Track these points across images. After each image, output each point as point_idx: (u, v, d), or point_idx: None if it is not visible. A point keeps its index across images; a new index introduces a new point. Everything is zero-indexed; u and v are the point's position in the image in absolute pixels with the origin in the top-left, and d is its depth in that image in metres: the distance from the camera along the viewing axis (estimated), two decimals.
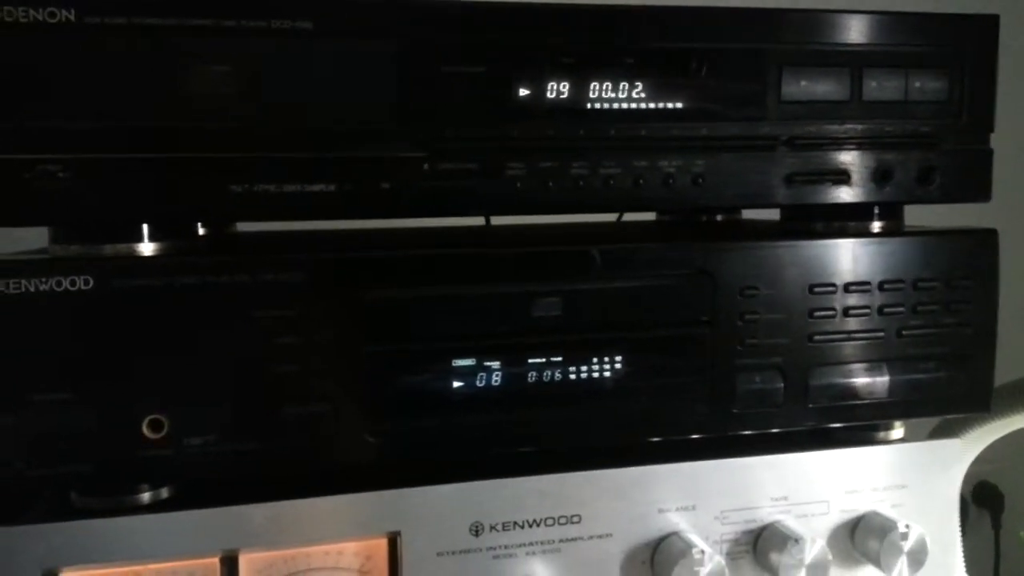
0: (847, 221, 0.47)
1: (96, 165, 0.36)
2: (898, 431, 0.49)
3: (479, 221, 0.56)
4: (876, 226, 0.47)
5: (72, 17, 0.35)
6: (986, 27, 0.45)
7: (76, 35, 0.36)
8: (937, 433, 0.55)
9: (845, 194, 0.44)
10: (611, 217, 0.63)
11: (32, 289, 0.36)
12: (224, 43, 0.37)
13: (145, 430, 0.37)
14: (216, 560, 0.40)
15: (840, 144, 0.43)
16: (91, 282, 0.36)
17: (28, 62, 0.35)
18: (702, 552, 0.42)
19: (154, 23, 0.36)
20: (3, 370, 0.36)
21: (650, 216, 0.67)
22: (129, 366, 0.37)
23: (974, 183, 0.46)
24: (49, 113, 0.36)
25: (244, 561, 0.40)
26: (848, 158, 0.43)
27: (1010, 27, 0.46)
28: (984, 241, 0.46)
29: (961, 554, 0.56)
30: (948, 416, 0.51)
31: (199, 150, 0.37)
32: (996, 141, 0.46)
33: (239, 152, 0.37)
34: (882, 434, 0.49)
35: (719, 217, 0.63)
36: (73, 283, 0.36)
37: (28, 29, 0.35)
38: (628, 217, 0.62)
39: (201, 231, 0.49)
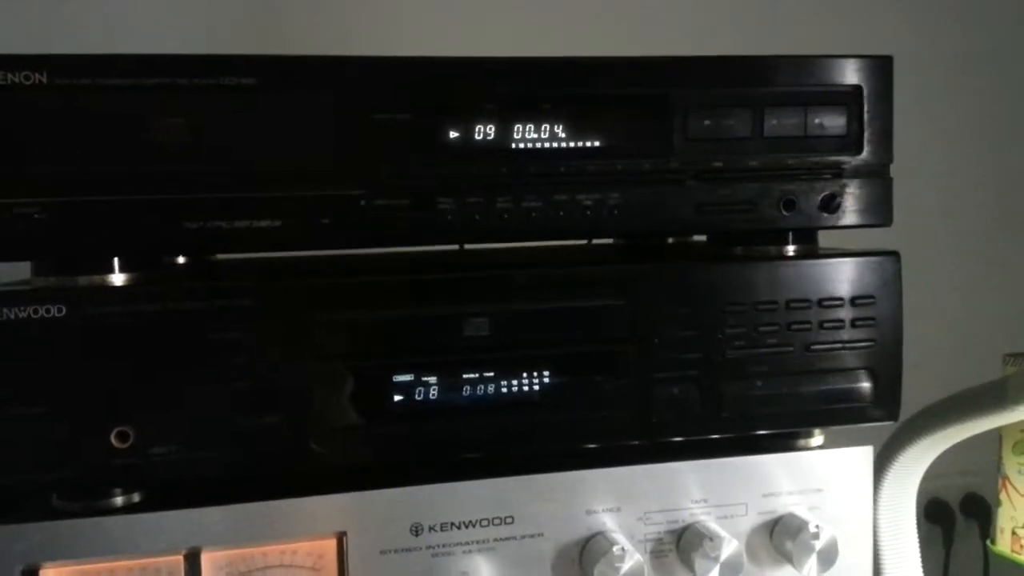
0: (764, 245, 0.51)
1: (68, 207, 0.41)
2: (817, 439, 0.53)
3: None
4: (790, 249, 0.51)
5: (44, 79, 0.40)
6: (882, 66, 0.49)
7: (48, 94, 0.41)
8: (889, 443, 0.59)
9: (752, 222, 0.48)
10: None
11: (12, 316, 0.41)
12: (179, 99, 0.42)
13: (113, 440, 0.42)
14: (180, 558, 0.44)
15: (744, 177, 0.47)
16: (64, 310, 0.41)
17: (6, 118, 0.40)
18: (623, 550, 0.46)
19: (116, 83, 0.41)
20: None
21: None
22: (98, 383, 0.42)
23: (877, 209, 0.50)
24: (26, 161, 0.41)
25: (206, 559, 0.45)
26: (753, 189, 0.48)
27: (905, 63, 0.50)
28: (886, 262, 0.50)
29: (915, 552, 0.59)
30: (872, 425, 0.55)
31: (158, 192, 0.42)
32: (899, 169, 0.50)
33: (193, 193, 0.42)
34: (802, 441, 0.52)
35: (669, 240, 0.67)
36: (48, 311, 0.41)
37: (6, 90, 0.40)
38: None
39: (181, 260, 0.55)
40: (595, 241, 0.66)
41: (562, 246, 0.64)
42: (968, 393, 0.57)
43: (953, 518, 1.04)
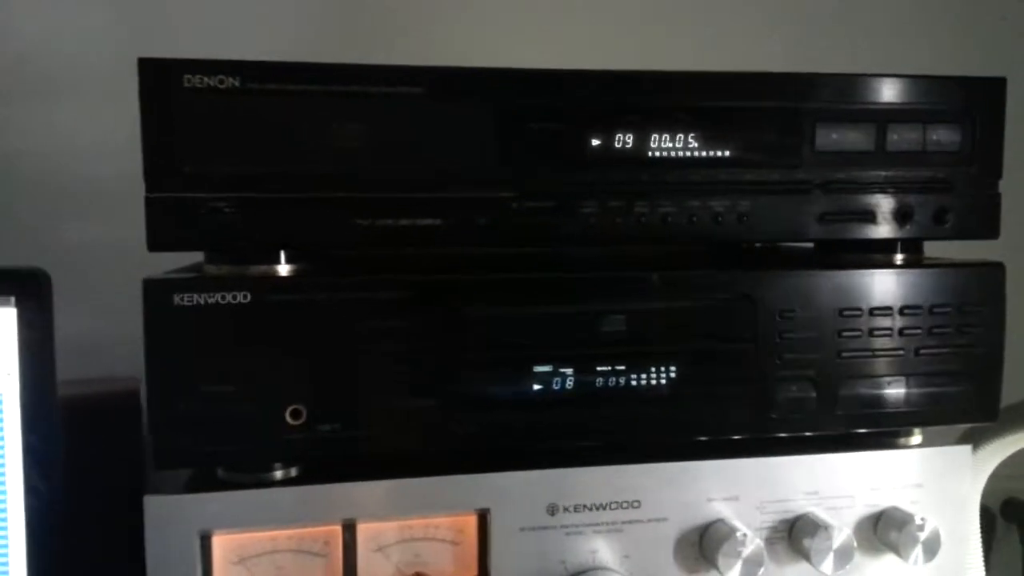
0: (873, 253, 0.54)
1: (253, 202, 0.45)
2: (917, 438, 0.56)
3: None
4: (899, 258, 0.54)
5: (237, 84, 0.44)
6: (994, 88, 0.52)
7: (240, 97, 0.44)
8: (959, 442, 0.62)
9: (870, 231, 0.51)
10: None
11: (202, 302, 0.45)
12: (356, 105, 0.45)
13: (288, 417, 0.46)
14: (339, 527, 0.48)
15: (866, 188, 0.50)
16: (249, 296, 0.45)
17: (201, 118, 0.44)
18: (744, 535, 0.49)
19: (300, 89, 0.45)
20: (178, 366, 0.45)
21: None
22: (276, 364, 0.46)
23: (984, 223, 0.53)
24: (217, 159, 0.45)
25: (361, 529, 0.48)
26: (873, 200, 0.51)
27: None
28: (992, 273, 0.53)
29: (978, 550, 0.62)
30: (969, 425, 0.58)
31: (333, 190, 0.46)
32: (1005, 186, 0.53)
33: (365, 192, 0.46)
34: (902, 439, 0.55)
35: (758, 245, 0.70)
36: (235, 297, 0.45)
37: (204, 92, 0.44)
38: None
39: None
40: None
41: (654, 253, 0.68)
42: None
43: (994, 522, 1.05)
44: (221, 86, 0.44)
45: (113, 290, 0.75)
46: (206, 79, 0.44)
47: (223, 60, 0.44)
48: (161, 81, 0.43)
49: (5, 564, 0.52)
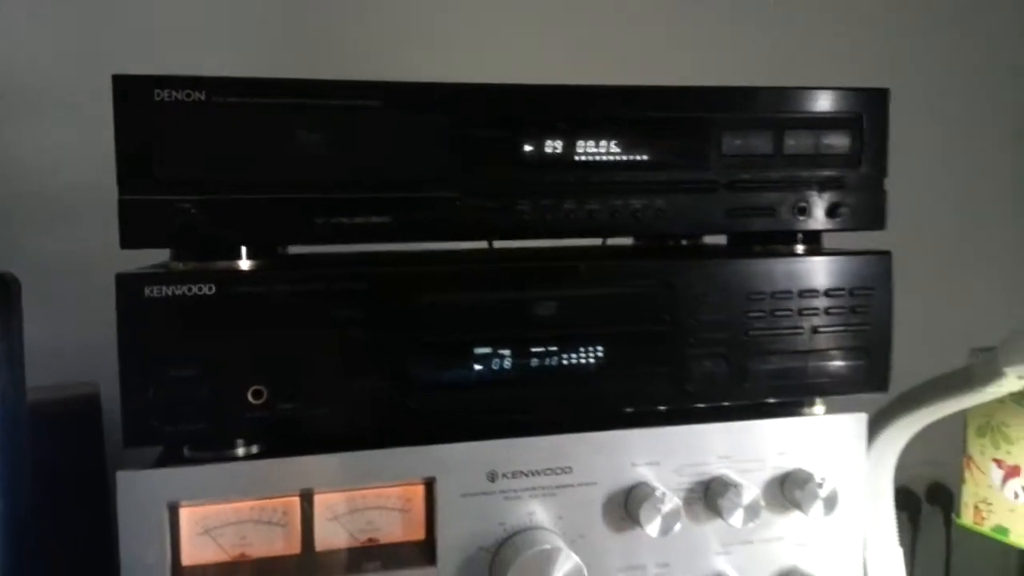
0: (777, 244, 0.61)
1: (218, 203, 0.50)
2: (820, 407, 0.62)
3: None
4: (799, 248, 0.61)
5: (203, 97, 0.49)
6: (879, 97, 0.59)
7: (205, 109, 0.49)
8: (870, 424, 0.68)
9: (771, 224, 0.58)
10: (597, 241, 0.77)
11: (170, 293, 0.49)
12: (314, 116, 0.50)
13: (250, 397, 0.51)
14: (297, 498, 0.53)
15: (767, 187, 0.57)
16: (213, 288, 0.50)
17: (170, 128, 0.49)
18: (663, 494, 0.55)
19: (261, 102, 0.50)
20: (145, 353, 0.49)
21: (628, 240, 0.80)
22: (239, 349, 0.50)
23: (872, 216, 0.60)
24: (184, 164, 0.49)
25: (318, 500, 0.53)
26: (773, 197, 0.57)
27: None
28: (880, 260, 0.60)
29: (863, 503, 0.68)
30: (873, 398, 0.65)
31: (293, 192, 0.51)
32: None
33: (323, 194, 0.51)
34: (807, 409, 0.62)
35: (684, 242, 0.76)
36: (200, 289, 0.49)
37: (172, 105, 0.48)
38: (611, 241, 0.75)
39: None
40: (610, 242, 0.76)
41: (582, 246, 0.74)
42: (940, 379, 0.67)
43: (919, 505, 1.14)
44: (188, 99, 0.49)
45: (71, 299, 0.79)
46: (174, 93, 0.48)
47: (189, 76, 0.48)
48: (133, 95, 0.48)
49: None
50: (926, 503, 1.14)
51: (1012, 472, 0.78)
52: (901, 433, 0.71)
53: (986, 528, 0.80)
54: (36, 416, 0.57)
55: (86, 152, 0.83)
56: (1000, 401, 0.77)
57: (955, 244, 1.13)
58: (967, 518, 0.82)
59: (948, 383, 0.66)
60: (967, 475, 0.81)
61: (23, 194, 0.84)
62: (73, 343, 0.80)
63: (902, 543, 1.08)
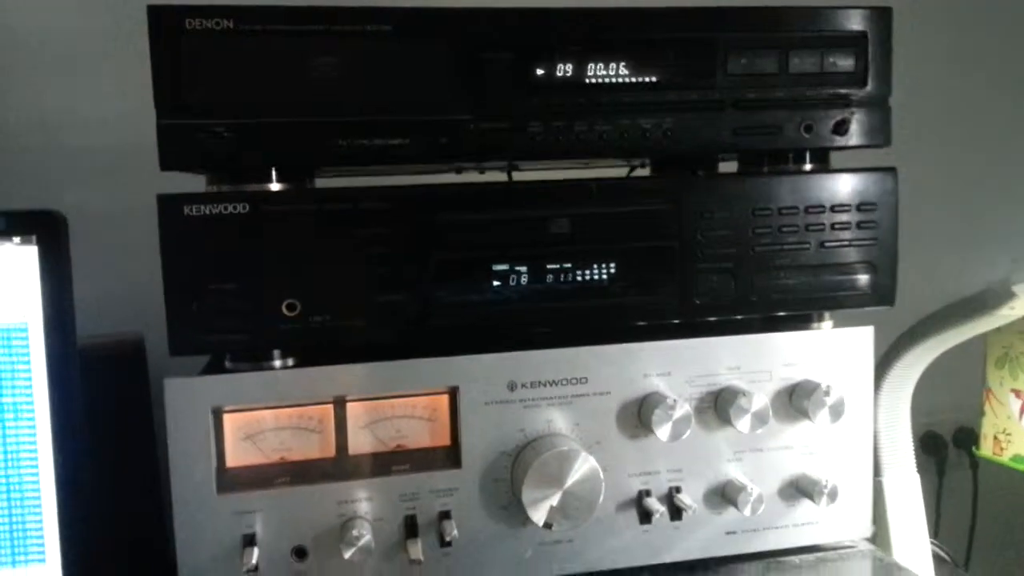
0: (786, 163, 0.63)
1: (248, 127, 0.53)
2: (828, 322, 0.65)
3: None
4: (808, 167, 0.63)
5: (231, 25, 0.52)
6: (883, 16, 0.60)
7: (233, 37, 0.52)
8: (889, 350, 0.71)
9: (778, 142, 0.60)
10: (621, 173, 0.79)
11: (208, 212, 0.53)
12: (331, 41, 0.53)
13: (284, 310, 0.54)
14: (330, 407, 0.57)
15: (773, 105, 0.59)
16: (247, 207, 0.53)
17: (201, 56, 0.52)
18: (674, 401, 0.58)
19: (283, 28, 0.53)
20: (189, 268, 0.53)
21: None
22: (273, 265, 0.54)
23: (877, 133, 0.61)
24: (216, 90, 0.53)
25: (350, 408, 0.57)
26: (779, 115, 0.59)
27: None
28: (885, 177, 0.61)
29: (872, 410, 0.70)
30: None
31: (316, 115, 0.54)
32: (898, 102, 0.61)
33: (343, 117, 0.54)
34: (815, 324, 0.64)
35: (700, 172, 0.78)
36: (235, 208, 0.53)
37: (203, 33, 0.52)
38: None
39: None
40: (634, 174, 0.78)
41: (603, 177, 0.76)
42: (956, 305, 0.68)
43: (946, 449, 1.15)
44: (217, 28, 0.52)
45: (112, 251, 0.83)
46: (205, 22, 0.52)
47: (220, 5, 0.52)
48: (166, 24, 0.51)
49: (36, 482, 0.59)
50: (952, 447, 1.16)
51: None
52: (919, 359, 0.72)
53: (1005, 458, 0.82)
54: (85, 360, 0.60)
55: (127, 106, 0.87)
56: (1019, 331, 0.79)
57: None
58: (987, 449, 0.83)
59: (963, 308, 0.68)
60: (987, 407, 0.83)
61: (66, 147, 0.88)
62: (116, 294, 0.84)
63: (929, 486, 1.11)
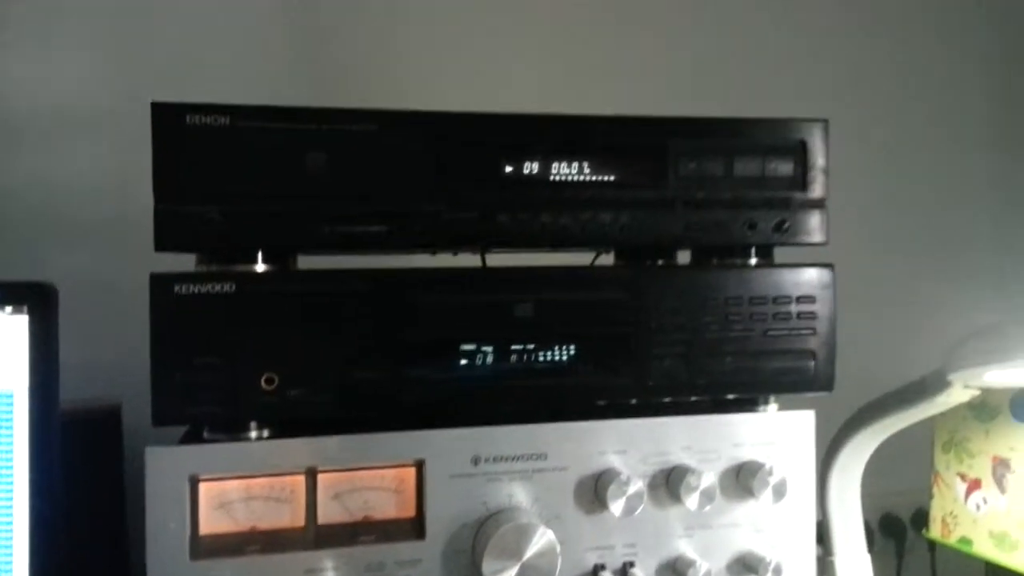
0: (733, 257, 0.68)
1: (239, 213, 0.57)
2: (774, 405, 0.69)
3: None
4: (753, 261, 0.68)
5: (228, 122, 0.57)
6: (820, 126, 0.67)
7: (229, 132, 0.57)
8: (838, 433, 0.75)
9: (725, 238, 0.65)
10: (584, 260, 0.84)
11: (196, 291, 0.57)
12: (321, 139, 0.58)
13: (263, 384, 0.58)
14: (302, 476, 0.60)
15: (719, 205, 0.65)
16: (233, 287, 0.57)
17: (199, 148, 0.57)
18: (628, 477, 0.62)
19: (276, 126, 0.58)
20: (176, 343, 0.57)
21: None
22: (255, 340, 0.58)
23: (816, 232, 0.67)
24: (210, 179, 0.57)
25: (320, 479, 0.60)
26: (725, 214, 0.65)
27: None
28: (823, 271, 0.67)
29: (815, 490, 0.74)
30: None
31: (303, 204, 0.58)
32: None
33: (328, 206, 0.59)
34: (762, 406, 0.69)
35: (660, 261, 0.84)
36: (222, 287, 0.57)
37: (202, 128, 0.57)
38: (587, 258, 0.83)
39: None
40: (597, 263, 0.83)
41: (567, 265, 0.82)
42: (899, 391, 0.72)
43: (905, 531, 1.18)
44: (215, 123, 0.57)
45: (96, 320, 0.86)
46: (204, 118, 0.57)
47: (218, 104, 0.57)
48: (168, 119, 0.56)
49: (10, 547, 0.61)
50: (911, 529, 1.18)
51: (974, 485, 0.84)
52: (866, 443, 0.77)
53: (952, 540, 0.85)
54: (62, 425, 0.63)
55: (117, 176, 0.92)
56: (962, 416, 0.84)
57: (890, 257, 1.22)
58: (935, 531, 0.87)
59: (906, 394, 0.72)
60: (935, 490, 0.87)
61: (55, 215, 0.92)
62: (96, 362, 0.87)
63: (889, 568, 1.13)
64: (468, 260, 0.77)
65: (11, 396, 0.61)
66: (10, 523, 0.61)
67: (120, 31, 0.95)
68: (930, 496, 0.87)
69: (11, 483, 0.61)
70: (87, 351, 0.84)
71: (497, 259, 0.76)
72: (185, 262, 0.61)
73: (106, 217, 0.93)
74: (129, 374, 0.83)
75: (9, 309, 0.62)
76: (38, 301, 0.62)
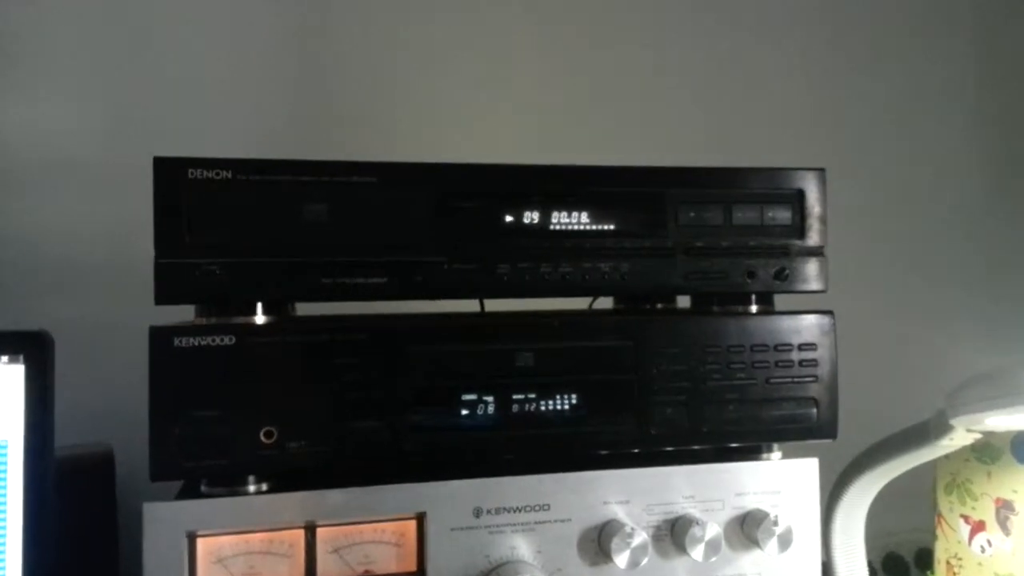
0: (734, 304, 0.68)
1: (240, 266, 0.57)
2: (777, 453, 0.69)
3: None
4: (753, 308, 0.68)
5: (229, 175, 0.57)
6: (817, 176, 0.67)
7: (230, 185, 0.57)
8: (841, 477, 0.75)
9: (724, 286, 0.65)
10: (583, 303, 0.84)
11: (196, 343, 0.56)
12: (321, 191, 0.59)
13: (262, 437, 0.57)
14: (301, 531, 0.59)
15: (718, 254, 0.65)
16: (233, 339, 0.57)
17: (201, 201, 0.57)
18: (632, 529, 0.61)
19: (278, 179, 0.58)
20: (175, 396, 0.56)
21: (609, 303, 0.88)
22: (254, 394, 0.57)
23: (815, 279, 0.67)
24: (211, 231, 0.57)
25: (320, 533, 0.59)
26: (724, 263, 0.65)
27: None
28: (823, 318, 0.67)
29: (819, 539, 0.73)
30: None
31: (303, 256, 0.58)
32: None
33: (328, 258, 0.59)
34: (765, 454, 0.68)
35: (659, 305, 0.84)
36: (223, 340, 0.57)
37: (203, 182, 0.57)
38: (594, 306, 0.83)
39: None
40: (595, 305, 0.83)
41: (567, 310, 0.82)
42: (901, 434, 0.72)
43: (908, 570, 1.16)
44: (217, 177, 0.57)
45: (82, 367, 0.86)
46: (205, 172, 0.57)
47: (219, 158, 0.57)
48: (170, 173, 0.56)
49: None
50: (915, 568, 1.16)
51: (978, 527, 0.83)
52: (869, 486, 0.76)
53: None
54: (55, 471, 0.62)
55: (110, 224, 0.92)
56: (964, 458, 0.83)
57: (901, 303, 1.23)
58: (941, 574, 0.86)
59: (908, 438, 0.72)
60: (939, 532, 0.86)
61: (48, 262, 0.92)
62: (85, 407, 0.86)
63: None
64: (467, 303, 0.77)
65: (6, 445, 0.61)
66: (2, 571, 0.60)
67: (115, 80, 0.96)
68: (934, 537, 0.87)
69: (4, 532, 0.60)
70: (76, 396, 0.84)
71: (495, 302, 0.76)
72: (181, 311, 0.61)
73: (96, 264, 0.93)
74: (119, 419, 0.83)
75: (5, 359, 0.61)
76: (34, 350, 0.62)
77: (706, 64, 1.17)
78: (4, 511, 0.60)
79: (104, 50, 0.95)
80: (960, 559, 0.84)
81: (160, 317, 0.59)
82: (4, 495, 0.61)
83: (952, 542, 0.85)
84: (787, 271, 0.66)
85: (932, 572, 0.87)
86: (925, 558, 1.18)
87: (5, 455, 0.61)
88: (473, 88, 1.07)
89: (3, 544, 0.60)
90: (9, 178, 0.92)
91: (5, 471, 0.61)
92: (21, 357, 0.62)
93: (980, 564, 0.82)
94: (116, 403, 0.87)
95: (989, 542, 0.81)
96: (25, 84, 0.93)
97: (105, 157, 0.94)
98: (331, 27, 1.03)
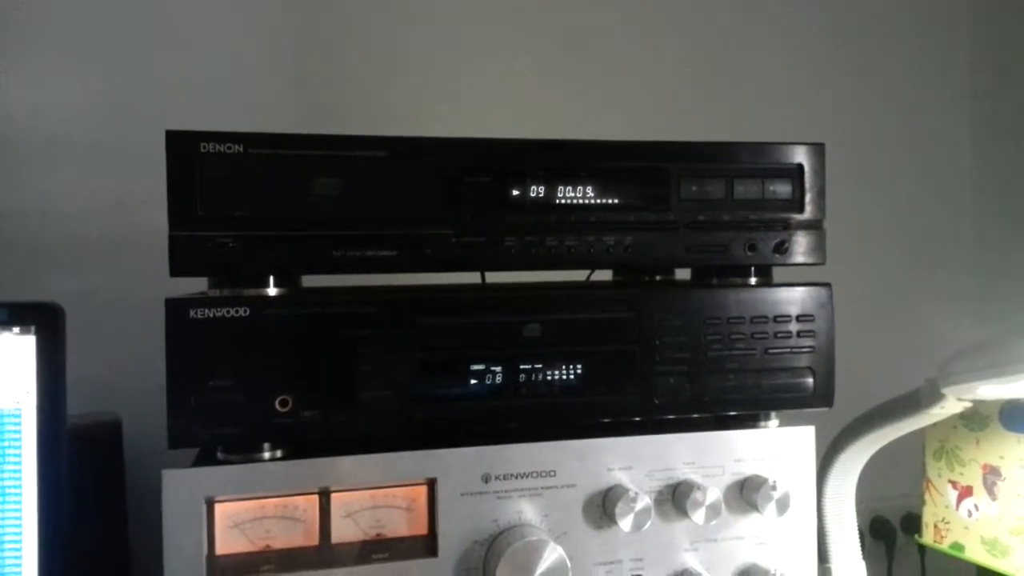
0: (733, 277, 0.70)
1: (253, 238, 0.58)
2: (775, 421, 0.71)
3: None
4: (753, 280, 0.70)
5: (241, 149, 0.58)
6: (817, 150, 0.69)
7: (242, 159, 0.58)
8: (833, 444, 0.77)
9: (725, 259, 0.67)
10: (581, 276, 0.86)
11: (211, 315, 0.58)
12: (332, 165, 0.60)
13: (277, 406, 0.59)
14: (316, 496, 0.61)
15: (720, 227, 0.66)
16: (248, 311, 0.58)
17: (214, 174, 0.58)
18: (636, 494, 0.63)
19: (289, 153, 0.59)
20: (191, 366, 0.58)
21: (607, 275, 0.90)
22: (269, 363, 0.59)
23: (814, 252, 0.69)
24: (225, 205, 0.58)
25: (334, 498, 0.61)
26: (726, 236, 0.67)
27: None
28: (821, 290, 0.69)
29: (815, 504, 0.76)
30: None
31: (315, 229, 0.60)
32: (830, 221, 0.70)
33: (339, 231, 0.60)
34: (763, 422, 0.70)
35: (657, 277, 0.85)
36: (237, 311, 0.58)
37: (215, 156, 0.58)
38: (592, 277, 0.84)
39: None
40: (593, 277, 0.85)
41: (567, 281, 0.83)
42: (892, 402, 0.75)
43: (894, 534, 1.21)
44: (229, 151, 0.58)
45: (97, 337, 0.87)
46: (218, 146, 0.58)
47: (231, 132, 0.58)
48: (183, 147, 0.57)
49: (19, 563, 0.62)
50: (901, 532, 1.21)
51: (966, 492, 0.86)
52: (860, 453, 0.79)
53: (945, 546, 0.87)
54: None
55: (122, 198, 0.93)
56: (952, 426, 0.86)
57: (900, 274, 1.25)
58: (928, 537, 0.89)
59: (899, 406, 0.74)
60: (927, 497, 0.89)
61: (58, 237, 0.93)
62: (93, 377, 0.87)
63: (879, 571, 1.15)
64: (474, 275, 0.78)
65: (19, 414, 0.62)
66: (19, 537, 0.62)
67: (121, 55, 0.96)
68: (922, 502, 0.89)
69: (20, 499, 0.62)
70: (82, 369, 0.85)
71: (499, 274, 0.78)
72: (191, 283, 0.62)
73: (105, 237, 0.94)
74: (127, 389, 0.84)
75: (17, 329, 0.63)
76: (46, 321, 0.63)
77: (711, 43, 1.18)
78: (19, 477, 0.62)
79: (109, 25, 0.95)
80: (948, 523, 0.87)
81: (165, 290, 0.60)
82: (19, 462, 0.62)
83: (940, 506, 0.88)
84: (787, 244, 0.68)
85: (919, 535, 0.90)
86: (912, 522, 1.22)
87: (19, 423, 0.62)
88: (479, 63, 1.07)
89: (19, 508, 0.62)
90: (17, 153, 0.92)
91: (20, 439, 0.62)
92: (33, 328, 0.63)
93: (967, 528, 0.85)
94: (122, 375, 0.89)
95: (976, 506, 0.84)
96: (29, 60, 0.93)
97: (111, 132, 0.94)
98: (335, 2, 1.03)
